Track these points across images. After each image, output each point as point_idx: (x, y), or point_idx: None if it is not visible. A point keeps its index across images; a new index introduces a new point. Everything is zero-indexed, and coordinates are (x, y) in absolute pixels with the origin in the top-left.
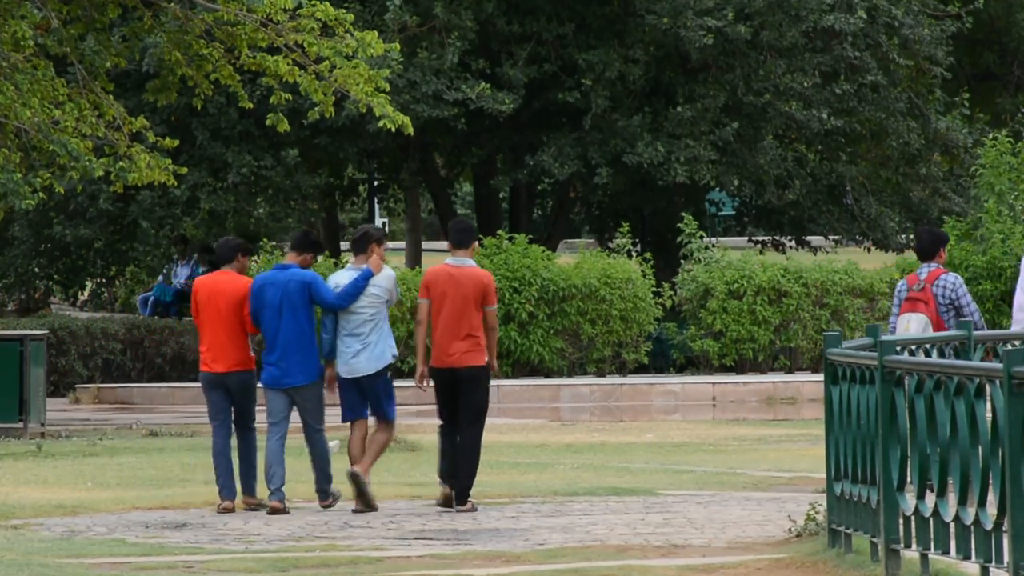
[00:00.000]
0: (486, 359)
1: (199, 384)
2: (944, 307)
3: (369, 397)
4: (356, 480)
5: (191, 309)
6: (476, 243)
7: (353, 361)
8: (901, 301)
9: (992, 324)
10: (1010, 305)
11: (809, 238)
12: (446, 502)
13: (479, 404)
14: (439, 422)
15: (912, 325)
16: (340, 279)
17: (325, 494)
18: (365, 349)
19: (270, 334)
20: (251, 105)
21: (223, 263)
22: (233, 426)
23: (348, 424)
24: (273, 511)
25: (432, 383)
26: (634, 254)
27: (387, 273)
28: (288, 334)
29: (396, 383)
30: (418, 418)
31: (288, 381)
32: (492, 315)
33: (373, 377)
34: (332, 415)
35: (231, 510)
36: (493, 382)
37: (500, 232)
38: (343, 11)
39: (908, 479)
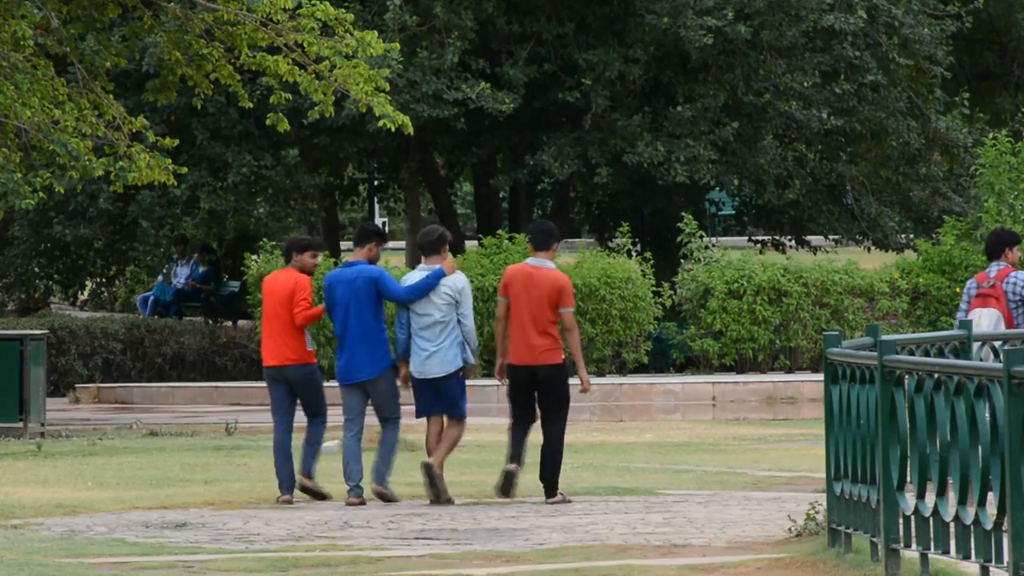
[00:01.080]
0: (562, 358)
1: (199, 384)
2: (1014, 303)
3: (442, 395)
4: (428, 471)
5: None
6: (556, 245)
7: (426, 363)
8: (971, 298)
9: None
10: None
11: (809, 238)
12: (506, 480)
13: (559, 400)
14: (508, 420)
15: (984, 319)
16: (412, 279)
17: (381, 478)
18: (438, 352)
19: (339, 330)
20: (251, 105)
21: (286, 262)
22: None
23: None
24: (349, 505)
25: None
26: (634, 254)
27: (459, 276)
28: (356, 329)
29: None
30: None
31: (358, 376)
32: (568, 317)
33: (444, 379)
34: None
35: (290, 503)
36: (493, 381)
37: (500, 232)
38: (343, 11)
39: (908, 479)
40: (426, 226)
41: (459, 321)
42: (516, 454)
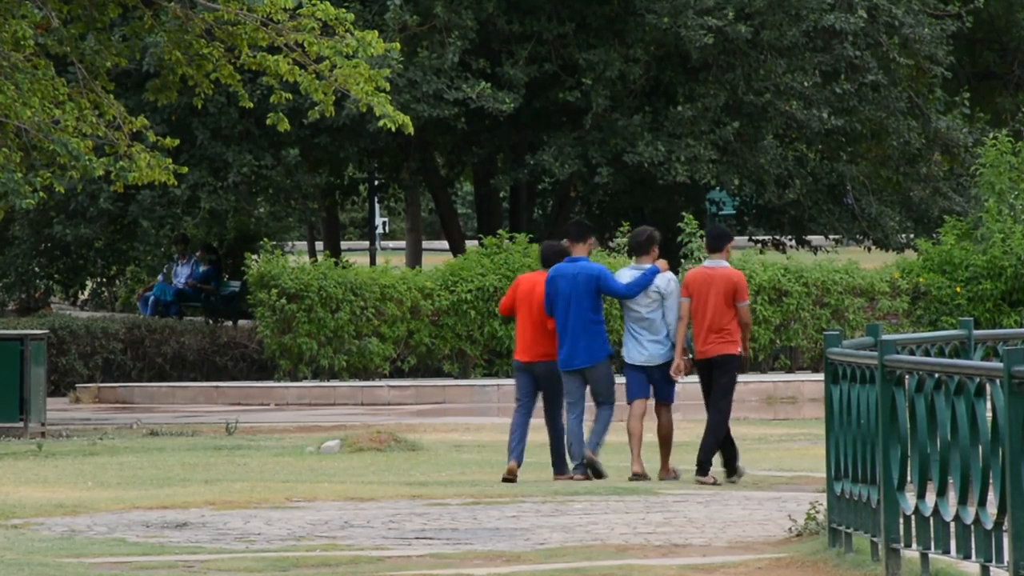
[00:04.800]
0: (737, 349)
1: (200, 384)
2: None
3: (654, 383)
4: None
5: (506, 296)
6: (729, 245)
7: (639, 353)
8: None
9: (992, 324)
10: (1010, 305)
11: (809, 237)
12: (728, 462)
13: (726, 387)
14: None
15: None
16: (622, 276)
17: (593, 445)
18: (651, 345)
19: (560, 322)
20: (251, 104)
21: (544, 265)
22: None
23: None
24: (575, 480)
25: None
26: None
27: (668, 275)
28: (576, 321)
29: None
30: (418, 418)
31: (577, 363)
32: (743, 311)
33: (654, 369)
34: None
35: (514, 471)
36: (493, 381)
37: (500, 231)
38: (343, 10)
39: (908, 478)
40: (429, 224)
41: (664, 316)
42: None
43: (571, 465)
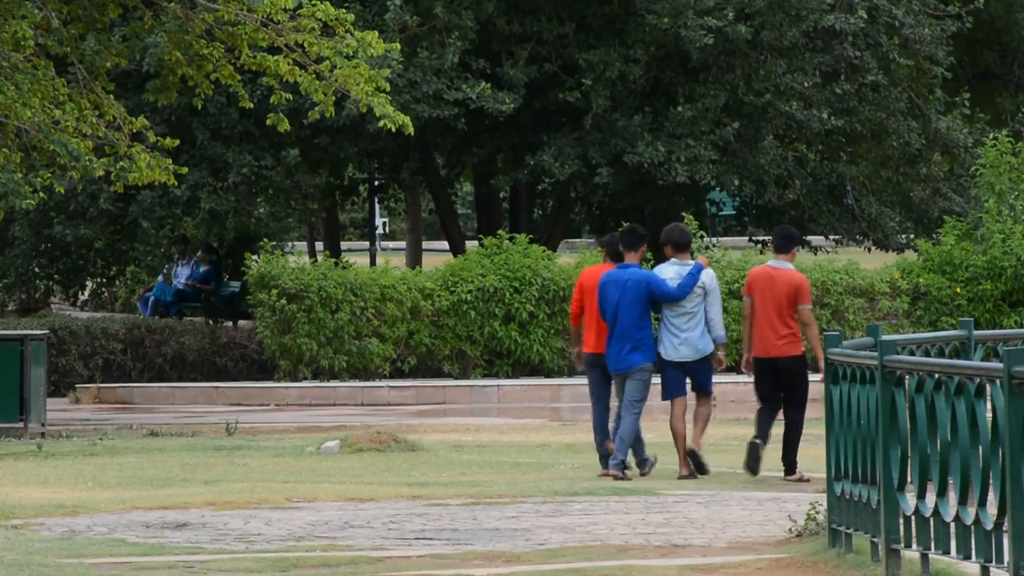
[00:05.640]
0: (800, 350)
1: (200, 384)
2: None
3: (691, 377)
4: (695, 457)
5: (574, 296)
6: (796, 248)
7: (679, 348)
8: None
9: (992, 324)
10: (1010, 305)
11: (809, 238)
12: (751, 454)
13: (798, 389)
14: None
15: None
16: (663, 273)
17: (643, 462)
18: (689, 339)
19: (610, 325)
20: (251, 105)
21: (611, 258)
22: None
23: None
24: (642, 475)
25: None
26: None
27: (709, 272)
28: (624, 325)
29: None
30: (418, 418)
31: (623, 367)
32: (805, 313)
33: (695, 362)
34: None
35: (608, 476)
36: (493, 381)
37: (500, 232)
38: (343, 11)
39: (908, 479)
40: (429, 225)
41: (706, 311)
42: (763, 433)
43: (636, 462)
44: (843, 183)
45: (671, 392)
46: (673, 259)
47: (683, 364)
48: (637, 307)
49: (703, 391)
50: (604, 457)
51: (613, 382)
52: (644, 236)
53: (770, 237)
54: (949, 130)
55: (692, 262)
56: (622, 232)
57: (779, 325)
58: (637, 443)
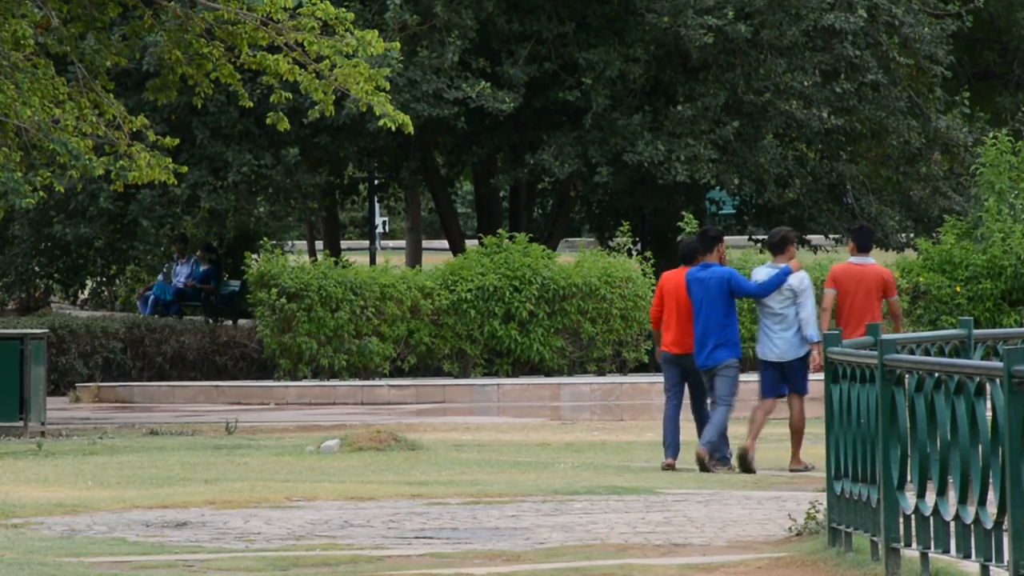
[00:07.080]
0: None
1: (199, 383)
2: None
3: (788, 377)
4: (744, 457)
5: (655, 299)
6: (873, 246)
7: (773, 349)
8: None
9: (992, 324)
10: (1010, 304)
11: (809, 237)
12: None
13: None
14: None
15: None
16: (758, 275)
17: (722, 459)
18: (782, 340)
19: (696, 323)
20: (251, 104)
21: (684, 262)
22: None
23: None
24: (711, 467)
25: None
26: (634, 253)
27: (801, 274)
28: (709, 322)
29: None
30: (418, 417)
31: (710, 363)
32: (894, 304)
33: (790, 362)
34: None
35: (672, 467)
36: (493, 380)
37: (500, 231)
38: (343, 10)
39: (908, 478)
40: (429, 224)
41: (797, 312)
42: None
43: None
44: (843, 182)
45: (765, 392)
46: (769, 263)
47: (778, 365)
48: (720, 304)
49: (798, 391)
50: (671, 447)
51: (704, 379)
52: (718, 237)
53: (765, 236)
54: (949, 129)
55: (783, 266)
56: (697, 236)
57: (864, 319)
58: (721, 439)
